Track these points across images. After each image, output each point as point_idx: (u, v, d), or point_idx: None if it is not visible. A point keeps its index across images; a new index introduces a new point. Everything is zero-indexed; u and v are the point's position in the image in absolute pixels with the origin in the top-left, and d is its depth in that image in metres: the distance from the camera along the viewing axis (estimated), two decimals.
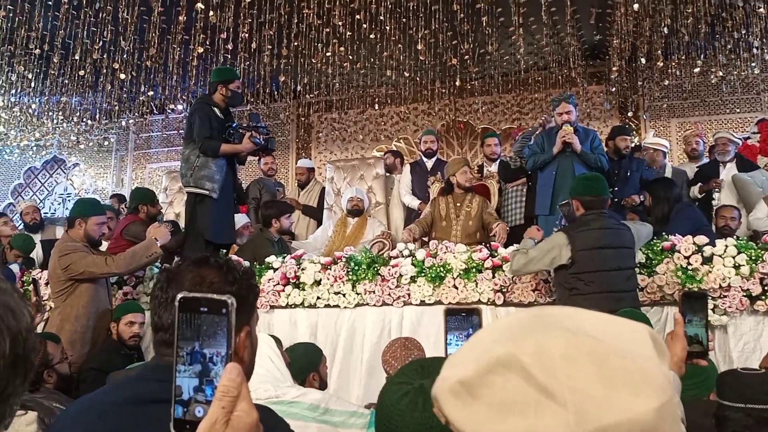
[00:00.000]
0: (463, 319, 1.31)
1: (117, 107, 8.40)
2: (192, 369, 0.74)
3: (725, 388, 1.71)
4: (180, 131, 9.45)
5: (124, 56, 6.92)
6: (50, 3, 6.20)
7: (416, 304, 4.18)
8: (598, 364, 0.59)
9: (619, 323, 0.64)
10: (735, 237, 4.19)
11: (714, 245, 3.86)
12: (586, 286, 3.44)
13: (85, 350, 4.13)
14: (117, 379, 1.38)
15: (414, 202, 6.12)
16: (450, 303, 4.04)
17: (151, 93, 8.09)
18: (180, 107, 8.92)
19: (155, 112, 9.10)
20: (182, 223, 6.07)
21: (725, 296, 3.73)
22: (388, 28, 6.52)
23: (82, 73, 7.14)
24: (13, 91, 8.01)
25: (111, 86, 7.65)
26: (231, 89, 4.99)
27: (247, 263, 4.51)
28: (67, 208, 9.89)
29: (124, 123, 9.74)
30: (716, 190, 5.70)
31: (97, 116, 8.94)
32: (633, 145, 5.78)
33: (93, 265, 4.18)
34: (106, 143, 10.17)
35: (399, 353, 2.63)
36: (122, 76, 7.14)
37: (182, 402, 0.74)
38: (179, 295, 0.75)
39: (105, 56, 6.95)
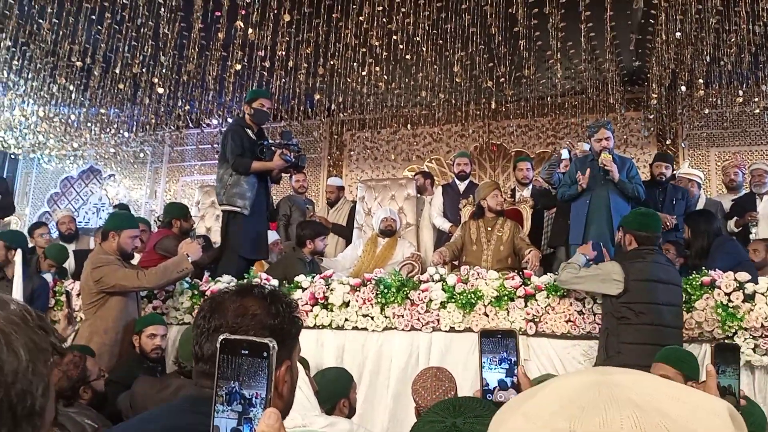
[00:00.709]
0: (498, 341, 1.28)
1: (154, 120, 8.52)
2: (230, 409, 0.73)
3: None
4: (214, 145, 9.55)
5: (163, 71, 7.04)
6: (93, 17, 6.34)
7: (445, 331, 4.11)
8: None
9: (697, 399, 0.58)
10: None
11: (756, 282, 3.72)
12: (637, 317, 3.41)
13: (112, 364, 4.13)
14: (156, 410, 1.37)
15: (445, 225, 6.06)
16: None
17: (187, 107, 8.20)
18: (215, 122, 9.04)
19: (191, 126, 9.22)
20: (213, 238, 6.12)
21: (767, 336, 3.59)
22: (424, 49, 6.52)
23: (121, 86, 7.28)
24: (54, 102, 8.19)
25: (149, 99, 7.78)
26: (254, 107, 5.16)
27: (275, 286, 4.50)
28: (101, 218, 10.04)
29: (159, 136, 9.89)
30: (753, 223, 5.53)
31: (134, 128, 9.10)
32: (672, 173, 5.65)
33: (125, 278, 4.21)
34: (141, 155, 10.32)
35: (430, 384, 2.57)
36: (160, 90, 7.25)
37: None
38: (221, 337, 0.75)
39: (144, 70, 7.07)
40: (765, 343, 3.58)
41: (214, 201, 7.10)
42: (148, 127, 8.90)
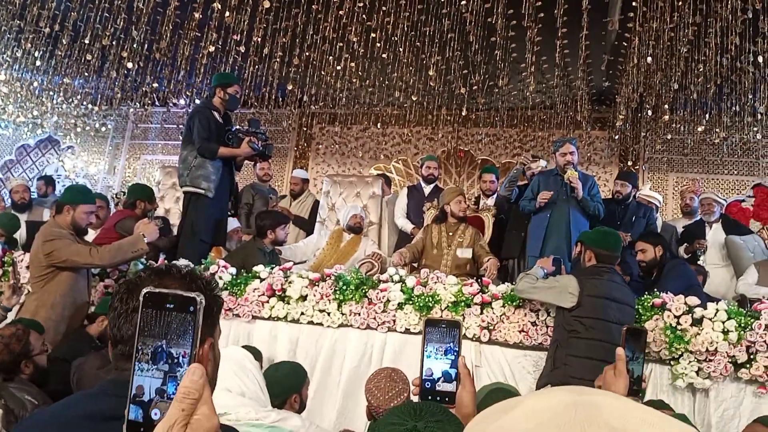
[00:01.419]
0: (444, 331, 1.27)
1: (119, 95, 8.33)
2: (156, 368, 0.70)
3: None
4: (180, 126, 9.39)
5: (134, 46, 6.87)
6: None
7: (401, 332, 4.12)
8: None
9: (669, 426, 0.59)
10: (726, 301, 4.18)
11: (705, 307, 3.83)
12: (586, 331, 3.47)
13: (57, 340, 4.02)
14: (80, 392, 1.33)
15: (407, 226, 6.08)
16: None
17: (155, 85, 8.04)
18: (182, 102, 8.88)
19: (157, 104, 9.03)
20: (173, 220, 6.01)
21: (711, 360, 3.70)
22: (401, 49, 6.52)
23: (89, 57, 7.08)
24: (17, 66, 7.92)
25: (116, 74, 7.59)
26: (229, 93, 5.06)
27: (232, 274, 4.44)
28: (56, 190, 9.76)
29: (124, 111, 9.66)
30: (701, 251, 5.70)
31: (98, 101, 8.86)
32: (630, 192, 5.77)
33: (77, 254, 4.10)
34: (103, 129, 10.07)
35: (383, 384, 2.57)
36: (129, 65, 7.09)
37: (142, 403, 0.70)
38: (144, 290, 0.72)
39: (114, 43, 6.89)
40: (708, 367, 3.69)
41: (176, 182, 6.97)
42: (113, 101, 8.69)
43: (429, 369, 1.26)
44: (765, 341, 3.64)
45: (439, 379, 1.26)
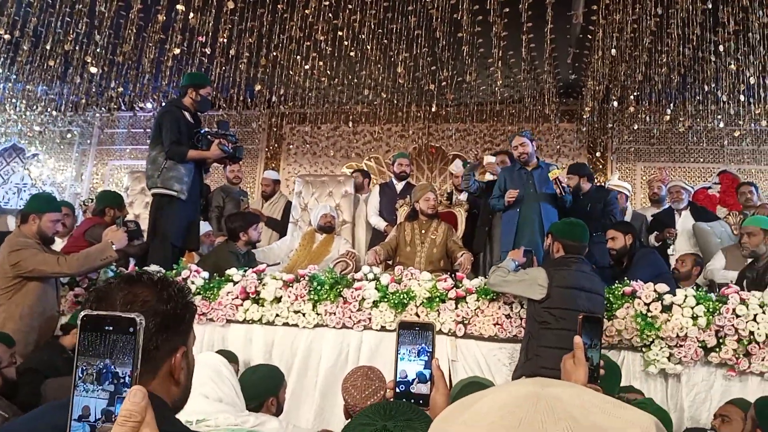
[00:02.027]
0: (416, 333, 1.27)
1: (84, 100, 8.18)
2: (101, 388, 0.70)
3: None
4: (147, 130, 9.27)
5: (97, 50, 6.76)
6: None
7: (376, 329, 4.12)
8: None
9: (629, 416, 0.60)
10: (694, 287, 4.26)
11: (674, 294, 3.90)
12: (557, 322, 3.49)
13: (27, 351, 3.95)
14: (49, 403, 1.31)
15: (381, 224, 6.08)
16: None
17: (120, 89, 7.91)
18: (149, 106, 8.76)
19: (123, 108, 8.89)
20: (142, 226, 5.92)
21: (681, 345, 3.77)
22: (369, 47, 6.52)
23: (51, 63, 6.94)
24: None
25: (80, 79, 7.45)
26: (201, 94, 4.95)
27: (205, 278, 4.40)
28: (22, 198, 9.57)
29: (89, 117, 9.50)
30: (671, 240, 5.79)
31: (63, 107, 8.70)
32: (597, 184, 5.83)
33: (44, 263, 4.03)
34: (69, 136, 9.89)
35: (360, 382, 2.56)
36: (93, 69, 6.96)
37: (89, 423, 0.69)
38: (82, 313, 0.71)
39: (77, 48, 6.77)
40: (679, 353, 3.75)
41: (144, 188, 6.88)
42: (77, 107, 8.54)
43: (403, 371, 1.27)
44: (733, 325, 3.72)
45: (413, 380, 1.26)
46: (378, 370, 2.69)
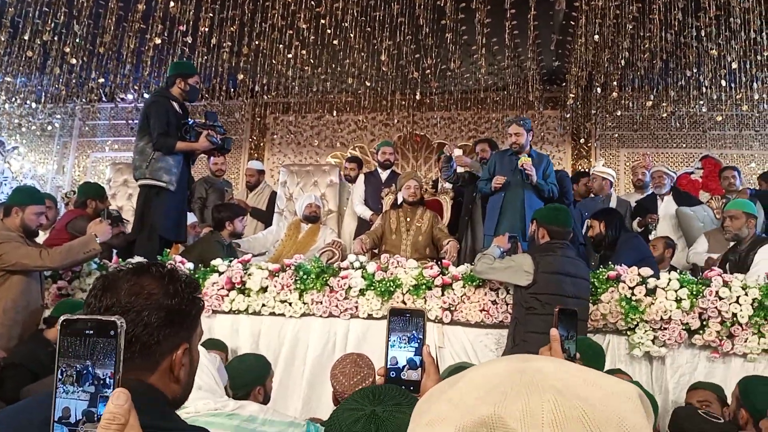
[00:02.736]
0: (407, 320, 1.27)
1: (64, 92, 8.07)
2: (82, 390, 0.69)
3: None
4: (129, 122, 9.17)
5: (76, 40, 6.66)
6: None
7: (363, 318, 4.13)
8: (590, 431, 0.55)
9: (611, 385, 0.61)
10: (678, 271, 4.30)
11: (658, 277, 3.94)
12: (543, 307, 3.52)
13: (11, 345, 3.91)
14: (32, 397, 1.29)
15: (366, 213, 6.07)
16: None
17: (101, 80, 7.81)
18: (130, 97, 8.66)
19: (104, 99, 8.78)
20: (125, 217, 5.87)
21: (665, 328, 3.81)
22: (352, 35, 6.48)
23: (30, 54, 6.83)
24: None
25: (60, 70, 7.33)
26: (190, 83, 4.87)
27: (190, 269, 4.38)
28: (2, 192, 9.44)
29: (70, 109, 9.38)
30: (653, 225, 5.83)
31: (43, 99, 8.58)
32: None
33: (27, 257, 3.98)
34: (49, 128, 9.77)
35: (349, 369, 2.57)
36: (73, 60, 6.86)
37: (69, 425, 0.69)
38: (62, 318, 0.70)
39: (56, 38, 6.66)
40: (663, 335, 3.80)
41: (127, 179, 6.82)
42: (57, 98, 8.42)
43: (393, 358, 1.27)
44: (716, 308, 3.76)
45: (404, 367, 1.26)
46: (367, 358, 2.69)
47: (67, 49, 6.74)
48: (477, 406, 0.58)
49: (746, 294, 3.77)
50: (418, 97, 7.82)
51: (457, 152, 5.67)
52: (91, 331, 0.69)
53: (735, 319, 3.75)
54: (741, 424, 2.54)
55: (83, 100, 8.70)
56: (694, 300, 3.81)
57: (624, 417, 0.57)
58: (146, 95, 7.78)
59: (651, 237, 5.74)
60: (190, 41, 6.50)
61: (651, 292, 3.89)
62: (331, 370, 2.65)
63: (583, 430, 0.55)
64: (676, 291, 3.85)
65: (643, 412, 0.59)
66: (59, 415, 0.69)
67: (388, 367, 1.27)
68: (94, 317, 0.70)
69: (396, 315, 1.28)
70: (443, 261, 4.35)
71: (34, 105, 8.85)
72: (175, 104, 4.80)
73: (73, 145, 9.91)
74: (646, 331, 3.82)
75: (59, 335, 0.70)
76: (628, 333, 3.88)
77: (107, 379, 0.69)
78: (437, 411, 0.62)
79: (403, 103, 8.35)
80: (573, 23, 6.42)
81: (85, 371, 0.69)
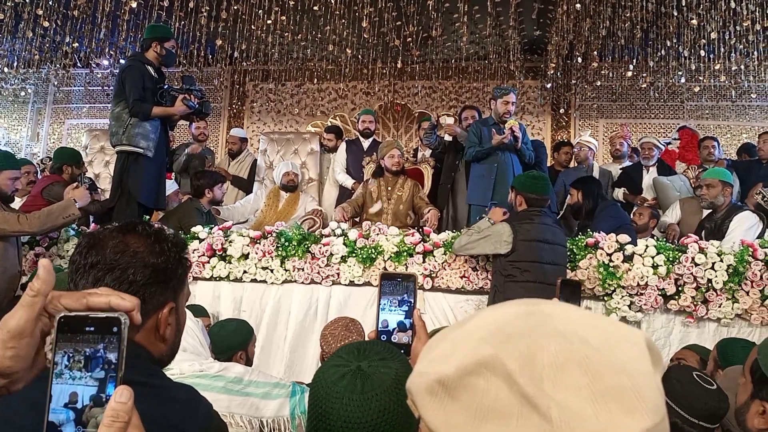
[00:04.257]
0: (398, 284, 1.29)
1: (37, 57, 7.87)
2: (92, 375, 0.66)
3: (675, 393, 1.75)
4: (105, 87, 9.00)
5: (49, 3, 6.48)
6: None
7: (345, 284, 4.15)
8: (589, 376, 0.55)
9: (617, 330, 0.61)
10: (655, 238, 4.37)
11: (635, 244, 4.00)
12: (522, 274, 3.56)
13: None
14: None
15: (348, 182, 6.06)
16: None
17: (75, 45, 7.62)
18: (106, 62, 8.48)
19: (79, 65, 8.59)
20: (101, 185, 5.80)
21: (642, 294, 3.89)
22: (333, 1, 6.38)
23: (1, 16, 6.63)
24: None
25: (32, 33, 7.14)
26: (166, 48, 4.75)
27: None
28: None
29: (44, 74, 9.16)
30: (638, 203, 5.87)
31: (15, 64, 8.36)
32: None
33: (4, 222, 3.92)
34: (23, 94, 9.54)
35: (339, 332, 2.60)
36: (45, 23, 6.68)
37: (76, 410, 0.66)
38: (58, 316, 0.67)
39: (28, 0, 6.48)
40: (639, 301, 3.88)
41: (104, 146, 6.71)
42: (30, 63, 8.21)
43: (385, 321, 1.29)
44: (692, 274, 3.84)
45: (394, 329, 1.28)
46: (359, 325, 2.71)
47: (40, 12, 6.54)
48: (479, 346, 0.59)
49: (721, 260, 3.85)
50: (399, 66, 7.75)
51: (449, 120, 5.63)
52: (92, 328, 0.66)
53: (710, 284, 3.84)
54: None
55: (57, 65, 8.50)
56: (671, 266, 3.89)
57: (626, 363, 0.57)
58: (122, 61, 7.61)
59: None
60: (166, 5, 6.37)
61: (628, 259, 3.96)
62: (321, 331, 2.67)
63: (581, 374, 0.55)
64: (653, 257, 3.92)
65: (649, 359, 0.59)
66: (65, 401, 0.66)
67: (379, 329, 1.29)
68: (94, 314, 0.67)
69: (387, 279, 1.30)
70: (424, 228, 4.37)
71: (6, 70, 8.63)
72: (150, 69, 4.68)
73: (47, 112, 9.70)
74: (622, 296, 3.89)
75: (56, 332, 0.67)
76: (605, 298, 3.95)
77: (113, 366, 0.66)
78: (441, 349, 0.63)
79: (384, 71, 8.29)
80: None
81: (97, 355, 0.66)
